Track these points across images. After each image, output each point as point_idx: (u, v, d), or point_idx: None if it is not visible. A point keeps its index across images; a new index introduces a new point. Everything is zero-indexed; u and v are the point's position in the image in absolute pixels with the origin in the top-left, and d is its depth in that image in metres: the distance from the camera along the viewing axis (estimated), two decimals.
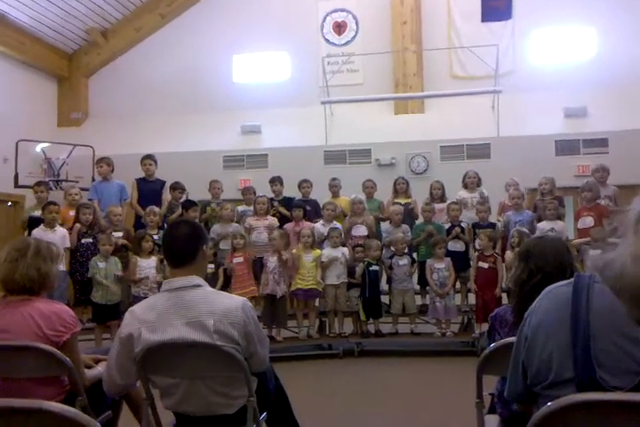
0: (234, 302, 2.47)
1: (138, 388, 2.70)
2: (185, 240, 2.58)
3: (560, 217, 7.38)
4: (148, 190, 7.75)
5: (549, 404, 1.53)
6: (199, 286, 2.51)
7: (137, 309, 2.52)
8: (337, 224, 7.46)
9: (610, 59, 10.33)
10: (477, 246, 7.12)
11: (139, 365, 2.43)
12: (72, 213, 7.11)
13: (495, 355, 2.41)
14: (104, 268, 6.49)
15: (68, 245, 6.68)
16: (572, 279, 1.66)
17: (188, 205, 7.48)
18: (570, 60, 10.75)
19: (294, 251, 7.04)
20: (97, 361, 3.04)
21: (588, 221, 7.15)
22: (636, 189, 8.96)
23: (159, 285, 5.89)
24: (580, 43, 10.81)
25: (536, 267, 2.36)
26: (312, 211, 7.98)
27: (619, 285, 0.77)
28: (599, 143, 9.99)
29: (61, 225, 6.82)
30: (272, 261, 6.89)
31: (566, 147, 10.11)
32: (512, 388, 1.81)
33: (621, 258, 0.77)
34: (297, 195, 8.30)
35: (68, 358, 2.60)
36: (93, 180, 8.80)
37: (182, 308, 2.42)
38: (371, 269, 7.00)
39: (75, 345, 2.71)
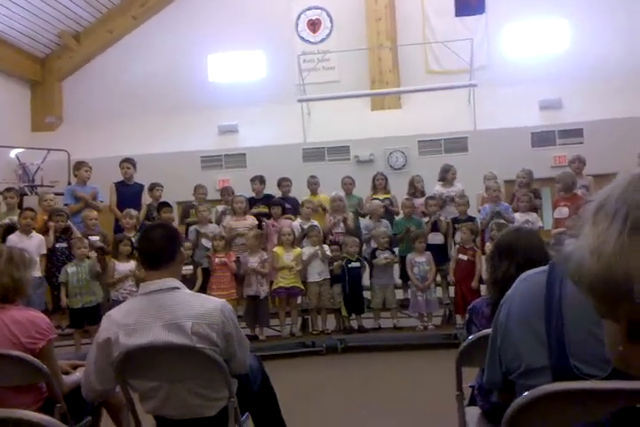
0: (212, 304, 2.46)
1: (117, 393, 2.68)
2: (162, 242, 2.56)
3: (535, 208, 7.46)
4: (128, 194, 7.72)
5: (525, 394, 1.54)
6: (176, 288, 2.50)
7: (114, 313, 2.51)
8: (314, 222, 7.46)
9: (583, 51, 10.43)
10: (457, 240, 7.17)
11: (117, 369, 2.41)
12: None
13: (473, 347, 2.42)
14: (75, 272, 6.40)
15: (44, 251, 6.64)
16: (546, 266, 1.67)
17: (161, 206, 7.44)
18: (543, 53, 10.83)
19: (274, 250, 7.02)
20: (75, 367, 3.01)
21: (564, 211, 7.23)
22: (611, 178, 8.99)
23: (138, 288, 5.86)
24: (553, 35, 10.90)
25: (525, 260, 2.33)
26: (292, 209, 7.97)
27: (577, 277, 0.77)
28: (574, 134, 10.09)
29: (37, 230, 6.75)
30: (252, 262, 6.87)
31: (542, 138, 10.20)
32: (490, 376, 1.82)
33: (580, 250, 0.77)
34: (277, 193, 8.29)
35: (44, 366, 2.57)
36: (69, 184, 8.71)
37: (160, 311, 2.41)
38: (350, 265, 7.01)
39: (51, 352, 2.68)
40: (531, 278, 1.67)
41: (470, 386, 2.72)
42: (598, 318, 1.47)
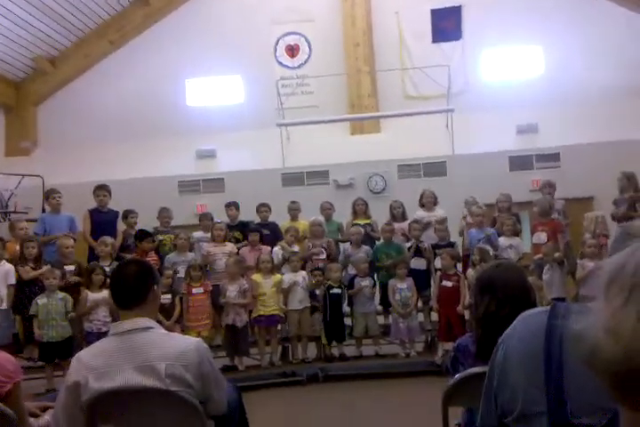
0: (187, 344, 2.36)
1: None
2: (134, 281, 2.46)
3: (517, 233, 7.46)
4: (102, 222, 7.55)
5: None
6: (150, 328, 2.39)
7: (83, 355, 2.39)
8: (296, 248, 7.38)
9: (557, 76, 10.60)
10: (437, 266, 7.11)
11: (87, 414, 2.29)
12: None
13: (460, 386, 2.35)
14: (45, 304, 6.16)
15: (12, 281, 6.43)
16: (547, 307, 1.61)
17: (143, 235, 7.27)
18: (519, 78, 10.98)
19: (253, 277, 6.91)
20: (44, 409, 2.86)
21: (542, 236, 7.25)
22: (587, 201, 9.16)
23: (113, 319, 5.68)
24: (529, 61, 11.07)
25: (505, 296, 2.29)
26: (271, 234, 7.88)
27: (593, 362, 0.69)
28: (551, 158, 10.18)
29: (9, 260, 6.57)
30: (232, 290, 6.73)
31: (520, 162, 10.28)
32: (485, 419, 1.74)
33: (593, 329, 0.69)
34: (255, 219, 8.21)
35: (11, 411, 2.43)
36: (44, 210, 8.53)
37: (132, 352, 2.30)
38: (332, 291, 6.92)
39: (18, 395, 2.53)
40: (530, 319, 1.61)
41: (456, 425, 2.64)
42: None
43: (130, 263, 2.63)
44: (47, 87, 11.99)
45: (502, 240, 7.20)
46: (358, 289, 7.04)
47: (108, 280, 6.13)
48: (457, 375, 2.38)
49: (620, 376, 0.66)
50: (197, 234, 7.83)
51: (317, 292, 6.95)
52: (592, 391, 1.46)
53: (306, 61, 11.60)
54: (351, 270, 7.40)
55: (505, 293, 2.27)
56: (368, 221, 8.02)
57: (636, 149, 9.00)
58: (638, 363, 0.64)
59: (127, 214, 7.75)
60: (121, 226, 7.71)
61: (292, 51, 11.67)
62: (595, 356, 0.68)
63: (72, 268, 6.71)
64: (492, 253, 6.58)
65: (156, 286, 2.52)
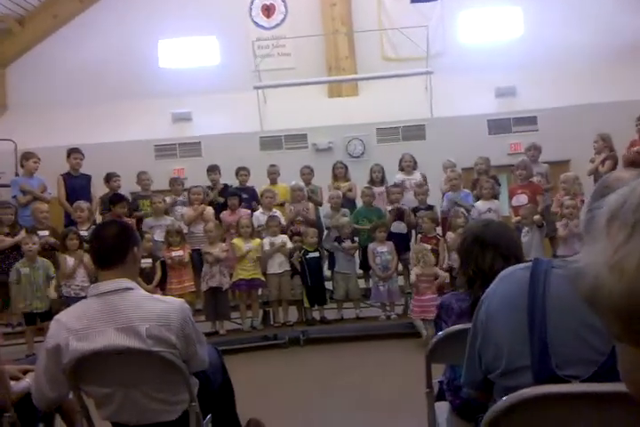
0: (169, 305, 2.34)
1: (71, 399, 2.54)
2: (113, 240, 2.42)
3: (496, 196, 7.50)
4: (75, 186, 7.44)
5: (503, 399, 1.48)
6: (130, 289, 2.35)
7: (63, 317, 2.36)
8: (276, 212, 7.35)
9: (536, 38, 10.51)
10: (417, 229, 7.14)
11: (69, 376, 2.28)
12: None
13: (443, 343, 2.37)
14: (28, 274, 6.06)
15: None
16: (529, 263, 1.61)
17: (116, 199, 7.14)
18: (498, 40, 10.87)
19: (233, 241, 6.88)
20: (25, 372, 2.84)
21: (522, 198, 7.30)
22: (564, 164, 9.22)
23: (92, 282, 5.63)
24: (507, 23, 10.94)
25: (509, 252, 2.31)
26: (250, 198, 7.85)
27: (594, 298, 0.68)
28: (529, 121, 10.18)
29: None
30: (216, 251, 6.71)
31: (498, 126, 10.26)
32: (469, 376, 1.75)
33: (595, 267, 0.67)
34: (234, 183, 8.15)
35: None
36: (17, 175, 8.35)
37: (112, 313, 2.27)
38: (308, 256, 6.92)
39: None
40: (512, 275, 1.60)
41: (439, 382, 2.67)
42: (584, 318, 1.42)
43: (110, 223, 2.59)
44: (15, 48, 11.59)
45: (481, 203, 7.22)
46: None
47: (85, 245, 6.11)
48: (440, 333, 2.40)
49: (623, 312, 0.66)
50: (170, 198, 7.73)
51: (294, 255, 6.95)
52: (576, 344, 1.48)
53: (282, 22, 11.34)
54: (333, 234, 7.38)
55: (508, 248, 2.28)
56: (347, 185, 8.01)
57: (612, 112, 9.02)
58: None
59: (110, 178, 7.63)
60: (95, 190, 7.59)
61: (268, 11, 11.39)
62: (597, 293, 0.67)
63: (46, 233, 6.61)
64: (464, 213, 6.62)
65: (136, 248, 2.47)
